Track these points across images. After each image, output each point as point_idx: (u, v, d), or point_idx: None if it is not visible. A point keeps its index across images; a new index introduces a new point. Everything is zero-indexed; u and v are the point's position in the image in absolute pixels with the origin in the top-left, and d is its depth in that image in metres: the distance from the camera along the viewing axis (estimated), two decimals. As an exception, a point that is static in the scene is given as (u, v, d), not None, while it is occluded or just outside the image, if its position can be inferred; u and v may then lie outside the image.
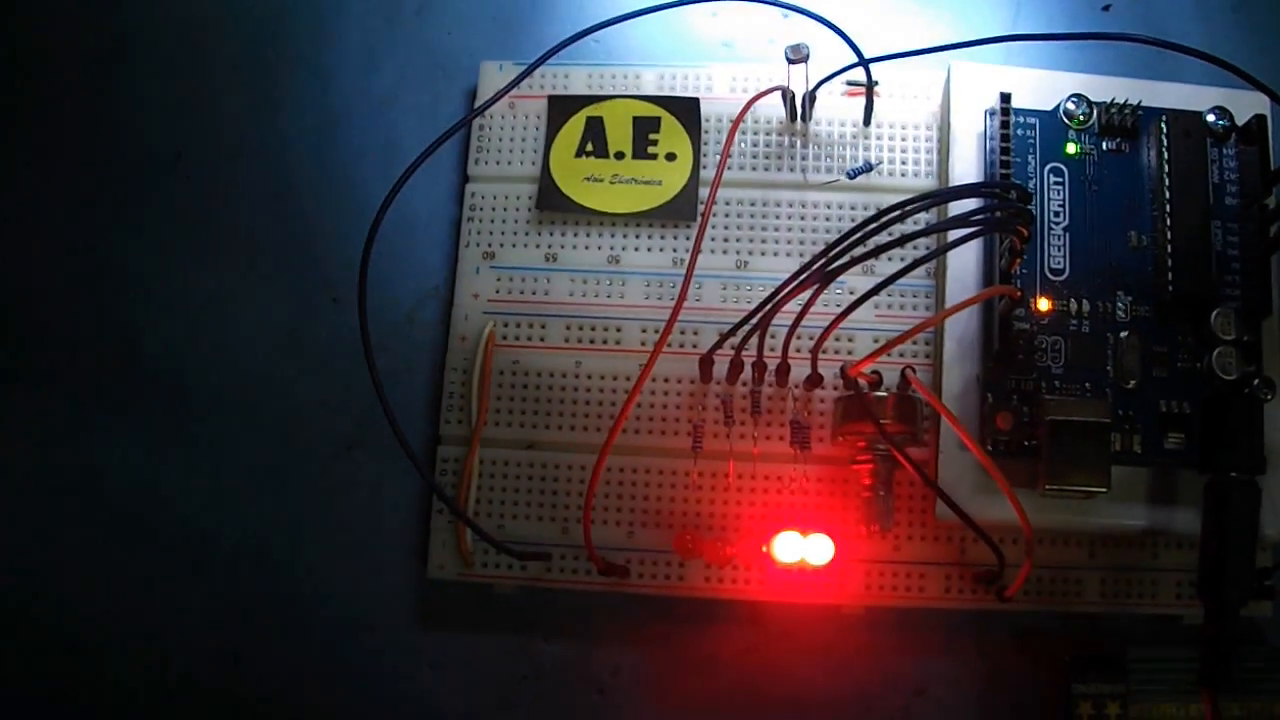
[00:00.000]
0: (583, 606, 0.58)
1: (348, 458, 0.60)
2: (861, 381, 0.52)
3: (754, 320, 0.52)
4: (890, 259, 0.56)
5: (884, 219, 0.47)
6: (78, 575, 0.60)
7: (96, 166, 0.65)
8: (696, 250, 0.54)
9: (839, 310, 0.50)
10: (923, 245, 0.56)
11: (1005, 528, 0.52)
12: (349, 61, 0.66)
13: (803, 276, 0.49)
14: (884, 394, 0.53)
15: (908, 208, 0.47)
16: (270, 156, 0.64)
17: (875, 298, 0.54)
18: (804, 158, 0.60)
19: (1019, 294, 0.51)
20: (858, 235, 0.47)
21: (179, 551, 0.60)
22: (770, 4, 0.58)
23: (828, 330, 0.51)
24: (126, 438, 0.61)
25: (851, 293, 0.57)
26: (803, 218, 0.59)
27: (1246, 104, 0.55)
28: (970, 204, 0.52)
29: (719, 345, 0.55)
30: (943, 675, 0.57)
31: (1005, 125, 0.54)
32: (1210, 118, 0.55)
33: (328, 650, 0.59)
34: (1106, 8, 0.63)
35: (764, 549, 0.54)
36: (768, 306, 0.51)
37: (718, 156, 0.60)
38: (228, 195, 0.64)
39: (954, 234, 0.49)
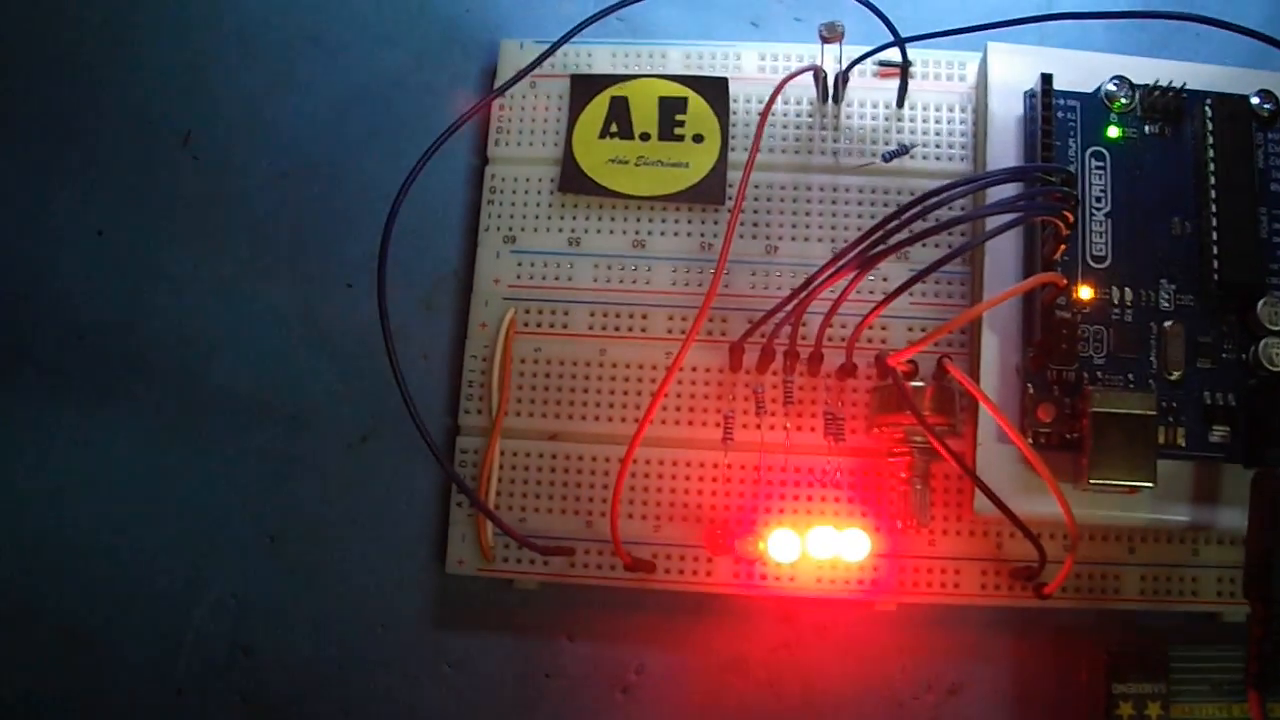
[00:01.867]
0: (607, 603, 0.56)
1: (363, 448, 0.59)
2: (899, 371, 0.51)
3: (788, 308, 0.50)
4: (926, 245, 0.54)
5: (926, 204, 0.45)
6: (86, 568, 0.58)
7: (104, 147, 0.63)
8: (730, 236, 0.53)
9: (872, 297, 0.48)
10: (957, 231, 0.54)
11: (1043, 523, 0.51)
12: (364, 39, 0.64)
13: (841, 263, 0.47)
14: (921, 384, 0.51)
15: (950, 192, 0.46)
16: (282, 137, 0.62)
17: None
18: (836, 140, 0.58)
19: (1064, 282, 0.49)
20: (898, 220, 0.46)
21: (190, 544, 0.58)
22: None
23: (866, 319, 0.49)
24: (134, 426, 0.60)
25: (885, 279, 0.56)
26: (834, 202, 0.57)
27: (1293, 86, 0.54)
28: (1009, 189, 0.51)
29: (751, 333, 0.53)
30: (977, 674, 0.55)
31: (1047, 107, 0.52)
32: (1255, 100, 0.53)
33: (342, 646, 0.57)
34: (1146, -13, 0.62)
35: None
36: (803, 294, 0.49)
37: (746, 138, 0.58)
38: (239, 176, 0.62)
39: (995, 220, 0.47)
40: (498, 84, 0.59)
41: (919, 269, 0.47)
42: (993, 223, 0.48)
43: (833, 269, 0.48)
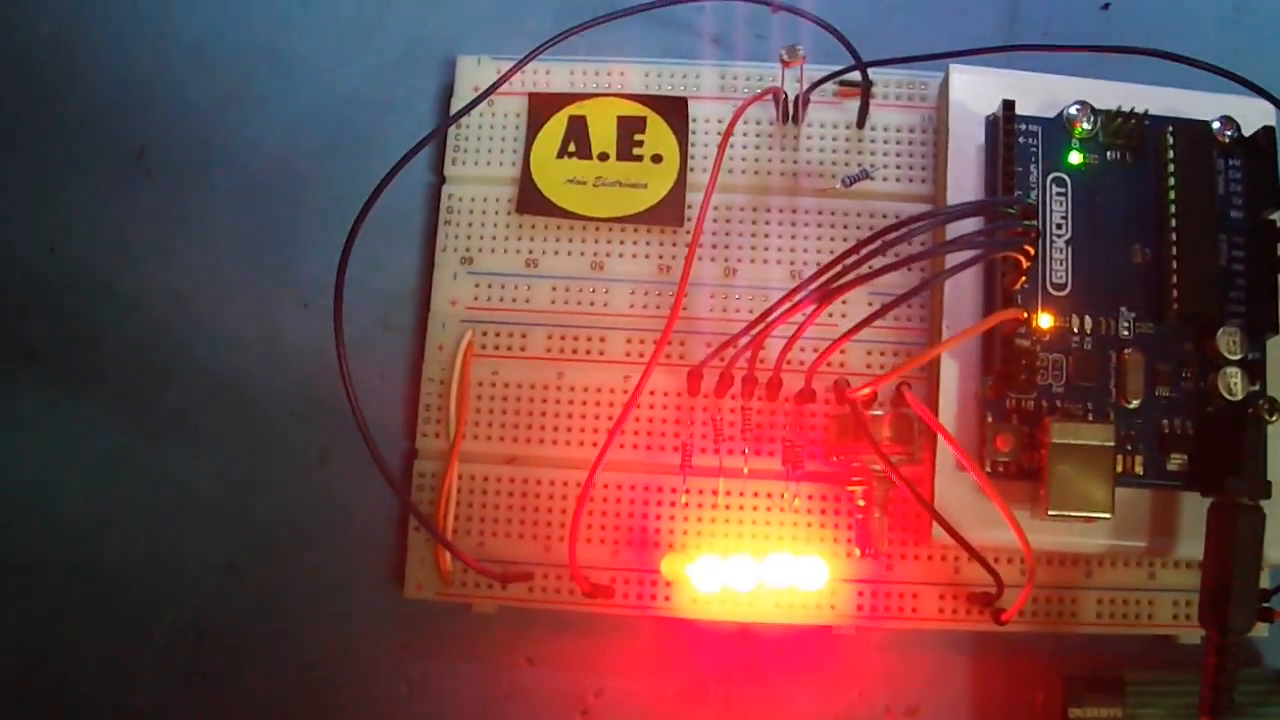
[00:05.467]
0: (566, 626, 0.56)
1: (321, 470, 0.58)
2: (857, 403, 0.50)
3: (746, 338, 0.50)
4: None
5: (885, 239, 0.45)
6: (39, 593, 0.58)
7: (55, 162, 0.62)
8: (690, 258, 0.53)
9: (830, 320, 0.48)
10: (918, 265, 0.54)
11: (1002, 549, 0.51)
12: (320, 54, 0.63)
13: (798, 298, 0.47)
14: (880, 412, 0.51)
15: (909, 229, 0.45)
16: (236, 153, 0.61)
17: (870, 306, 0.54)
18: (795, 162, 0.58)
19: (1024, 317, 0.49)
20: (857, 256, 0.45)
21: (145, 568, 0.58)
22: (766, 3, 0.55)
23: (825, 353, 0.49)
24: (88, 447, 0.59)
25: (845, 302, 0.55)
26: (794, 224, 0.57)
27: (1254, 110, 0.53)
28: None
29: (710, 360, 0.53)
30: (935, 696, 0.56)
31: (1009, 134, 0.52)
32: (1216, 125, 0.53)
33: (302, 671, 0.57)
34: (1105, 6, 0.62)
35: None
36: (761, 325, 0.49)
37: (705, 159, 0.58)
38: (193, 193, 0.61)
39: (955, 255, 0.47)
40: (455, 100, 0.59)
41: (880, 293, 0.47)
42: (953, 258, 0.47)
43: (790, 303, 0.47)
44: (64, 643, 0.58)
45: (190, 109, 0.62)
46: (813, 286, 0.46)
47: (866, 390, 0.50)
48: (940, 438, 0.51)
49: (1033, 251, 0.47)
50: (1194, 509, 0.51)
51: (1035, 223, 0.49)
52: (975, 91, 0.55)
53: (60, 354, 0.60)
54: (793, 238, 0.57)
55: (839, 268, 0.45)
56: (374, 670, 0.57)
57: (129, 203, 0.61)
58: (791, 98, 0.57)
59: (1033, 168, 0.53)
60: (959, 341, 0.50)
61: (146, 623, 0.58)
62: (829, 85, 0.57)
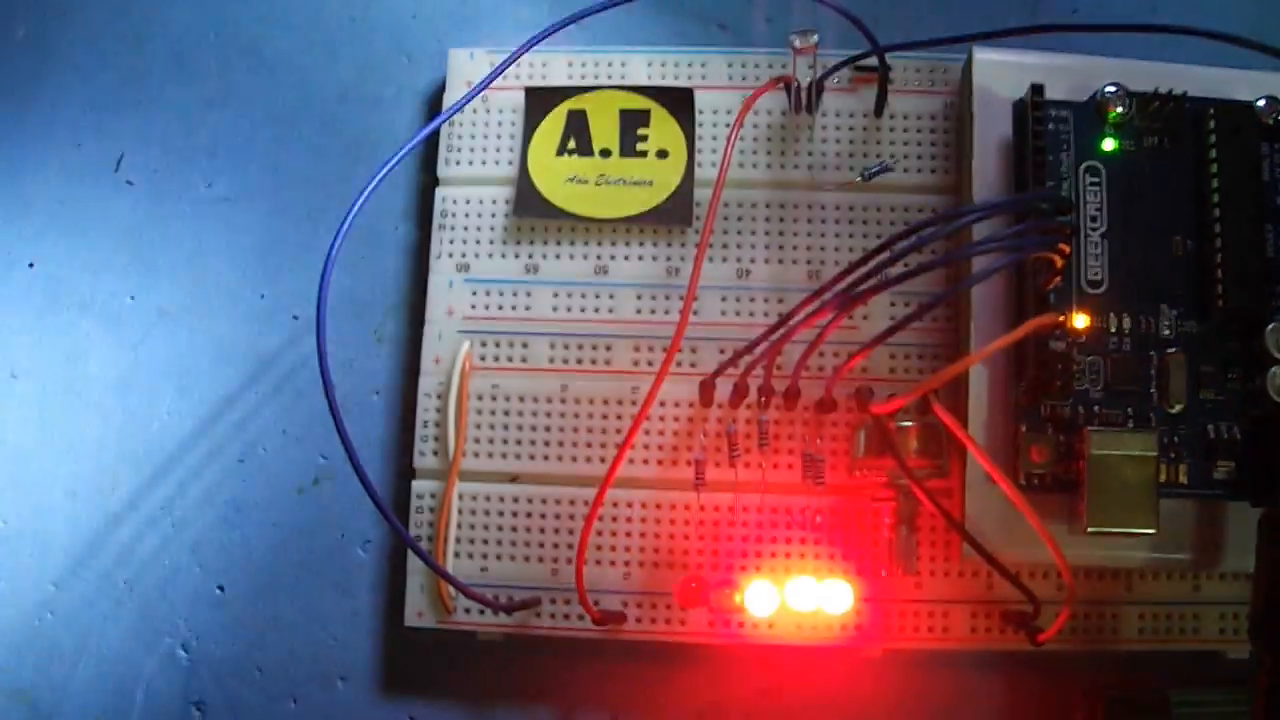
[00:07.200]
0: (577, 652, 0.53)
1: (315, 491, 0.56)
2: (883, 416, 0.47)
3: (761, 347, 0.47)
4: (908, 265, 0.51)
5: (909, 241, 0.42)
6: (29, 624, 0.56)
7: (32, 173, 0.60)
8: (700, 260, 0.50)
9: (850, 323, 0.46)
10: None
11: (1039, 564, 0.49)
12: (302, 50, 0.60)
13: (815, 305, 0.44)
14: (906, 423, 0.48)
15: (933, 230, 0.42)
16: (219, 157, 0.59)
17: (892, 307, 0.51)
18: (810, 154, 0.54)
19: (1060, 320, 0.46)
20: (876, 263, 0.42)
21: (136, 596, 0.56)
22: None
23: (847, 364, 0.45)
24: (73, 470, 0.57)
25: (865, 309, 0.52)
26: (810, 220, 0.54)
27: (1301, 89, 0.50)
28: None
29: (723, 370, 0.50)
30: (968, 719, 0.53)
31: (1039, 122, 0.48)
32: (1261, 105, 0.50)
33: (300, 700, 0.54)
34: (1137, -21, 0.58)
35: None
36: (778, 334, 0.46)
37: (714, 153, 0.54)
38: (175, 201, 0.59)
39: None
40: (447, 96, 0.56)
41: (905, 292, 0.47)
42: (983, 260, 0.44)
43: (808, 310, 0.44)
44: (57, 675, 0.55)
45: (170, 113, 0.60)
46: (830, 294, 0.43)
47: (891, 411, 0.47)
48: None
49: (1068, 250, 0.44)
50: (1243, 518, 0.48)
51: (1071, 218, 0.46)
52: (1000, 74, 0.51)
53: (43, 375, 0.58)
54: (809, 235, 0.54)
55: (854, 276, 0.42)
56: (375, 699, 0.54)
57: (109, 213, 0.59)
58: (805, 86, 0.53)
59: (1064, 156, 0.50)
60: (988, 354, 0.47)
61: (140, 651, 0.55)
62: (844, 71, 0.54)
